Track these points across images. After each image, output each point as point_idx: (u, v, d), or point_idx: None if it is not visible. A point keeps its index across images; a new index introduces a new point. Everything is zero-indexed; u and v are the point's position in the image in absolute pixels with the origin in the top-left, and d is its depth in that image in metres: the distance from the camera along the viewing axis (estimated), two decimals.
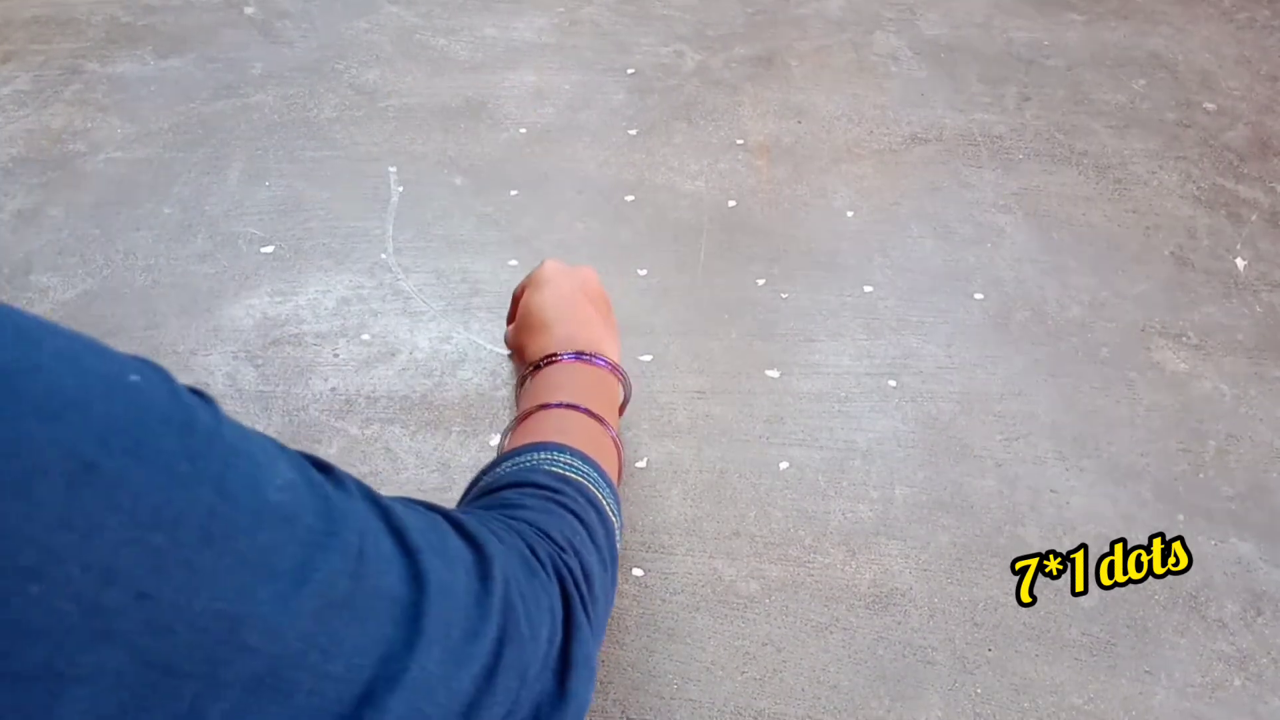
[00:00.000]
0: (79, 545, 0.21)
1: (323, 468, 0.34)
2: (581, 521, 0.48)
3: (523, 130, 1.32)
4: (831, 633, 0.79)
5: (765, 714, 0.74)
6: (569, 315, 0.74)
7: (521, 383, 0.74)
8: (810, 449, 0.92)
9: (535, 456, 0.55)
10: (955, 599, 0.81)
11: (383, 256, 1.14)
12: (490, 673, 0.34)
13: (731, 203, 1.19)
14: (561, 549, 0.44)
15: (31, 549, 0.20)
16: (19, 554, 0.20)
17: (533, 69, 1.44)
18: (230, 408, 0.98)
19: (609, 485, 0.56)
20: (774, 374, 0.99)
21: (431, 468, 0.92)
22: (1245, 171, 1.22)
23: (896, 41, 1.48)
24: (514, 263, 1.12)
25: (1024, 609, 0.80)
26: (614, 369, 0.73)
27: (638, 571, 0.83)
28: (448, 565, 0.34)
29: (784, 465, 0.91)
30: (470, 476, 0.91)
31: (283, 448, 0.31)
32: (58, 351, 0.23)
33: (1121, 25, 1.51)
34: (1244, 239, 1.13)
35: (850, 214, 1.18)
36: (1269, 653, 0.77)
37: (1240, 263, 1.10)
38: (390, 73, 1.44)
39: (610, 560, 0.50)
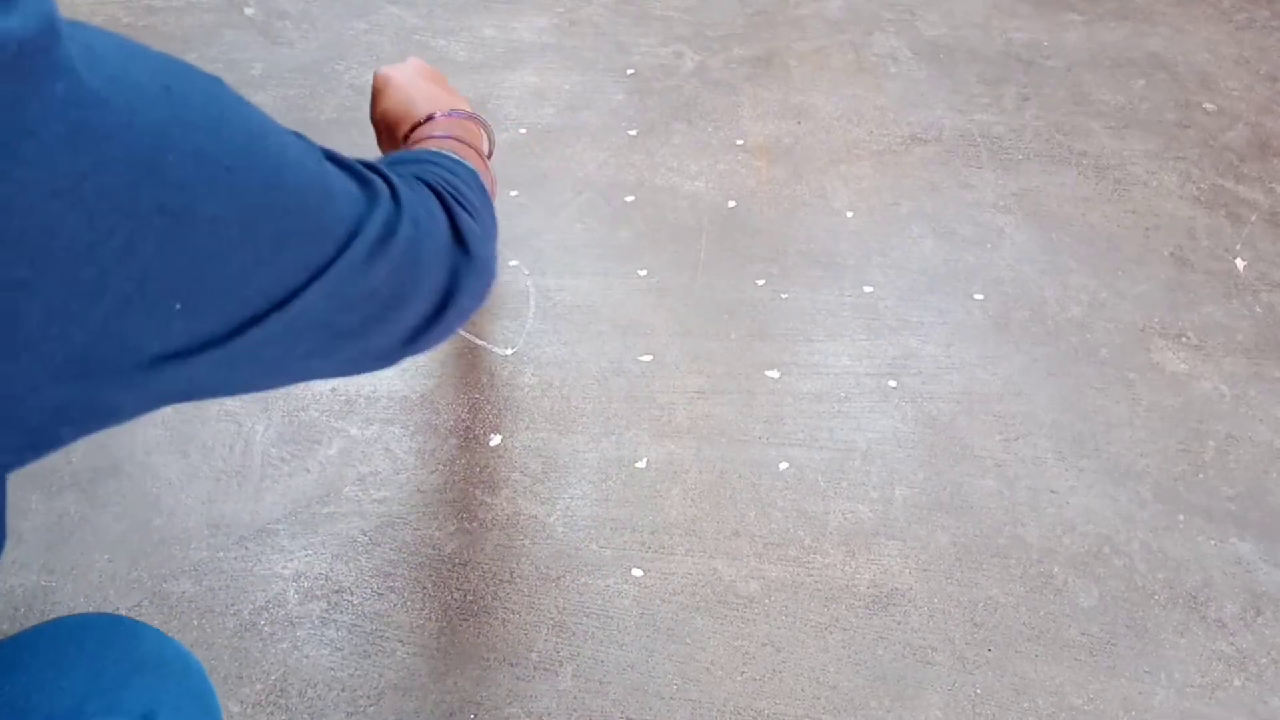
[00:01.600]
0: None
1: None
2: (435, 164, 0.60)
3: (523, 130, 1.32)
4: (831, 633, 0.79)
5: (765, 714, 0.74)
6: (417, 98, 0.82)
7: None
8: (810, 449, 0.92)
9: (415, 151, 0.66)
10: (955, 599, 0.81)
11: None
12: (417, 237, 0.48)
13: (731, 203, 1.20)
14: (421, 173, 0.58)
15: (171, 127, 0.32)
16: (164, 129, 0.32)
17: (533, 69, 1.44)
18: (230, 407, 0.98)
19: (470, 166, 0.66)
20: (774, 374, 0.99)
21: (431, 468, 0.92)
22: (1245, 172, 1.22)
23: (896, 42, 1.48)
24: (514, 263, 1.12)
25: (1024, 609, 0.80)
26: (472, 116, 0.80)
27: (637, 572, 0.83)
28: (371, 179, 0.48)
29: (784, 465, 0.91)
30: (469, 477, 0.91)
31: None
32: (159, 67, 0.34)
33: (1121, 26, 1.51)
34: (1243, 239, 1.13)
35: (850, 214, 1.18)
36: (1269, 652, 0.77)
37: (1240, 263, 1.10)
38: None
39: (478, 188, 0.62)
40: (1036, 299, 1.06)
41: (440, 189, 0.57)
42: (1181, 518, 0.86)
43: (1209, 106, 1.34)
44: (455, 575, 0.83)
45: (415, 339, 0.51)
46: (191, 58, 1.49)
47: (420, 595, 0.82)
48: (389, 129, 0.84)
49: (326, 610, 0.81)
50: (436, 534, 0.87)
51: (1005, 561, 0.83)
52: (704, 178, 1.23)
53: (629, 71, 1.43)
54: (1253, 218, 1.16)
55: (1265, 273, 1.09)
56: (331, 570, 0.84)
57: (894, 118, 1.33)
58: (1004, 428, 0.94)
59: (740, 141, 1.29)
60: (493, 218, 0.64)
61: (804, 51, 1.47)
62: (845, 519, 0.86)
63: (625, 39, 1.50)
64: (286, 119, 1.36)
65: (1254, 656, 0.77)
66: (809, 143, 1.29)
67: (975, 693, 0.75)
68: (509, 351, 1.02)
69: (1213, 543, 0.84)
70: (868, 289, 1.08)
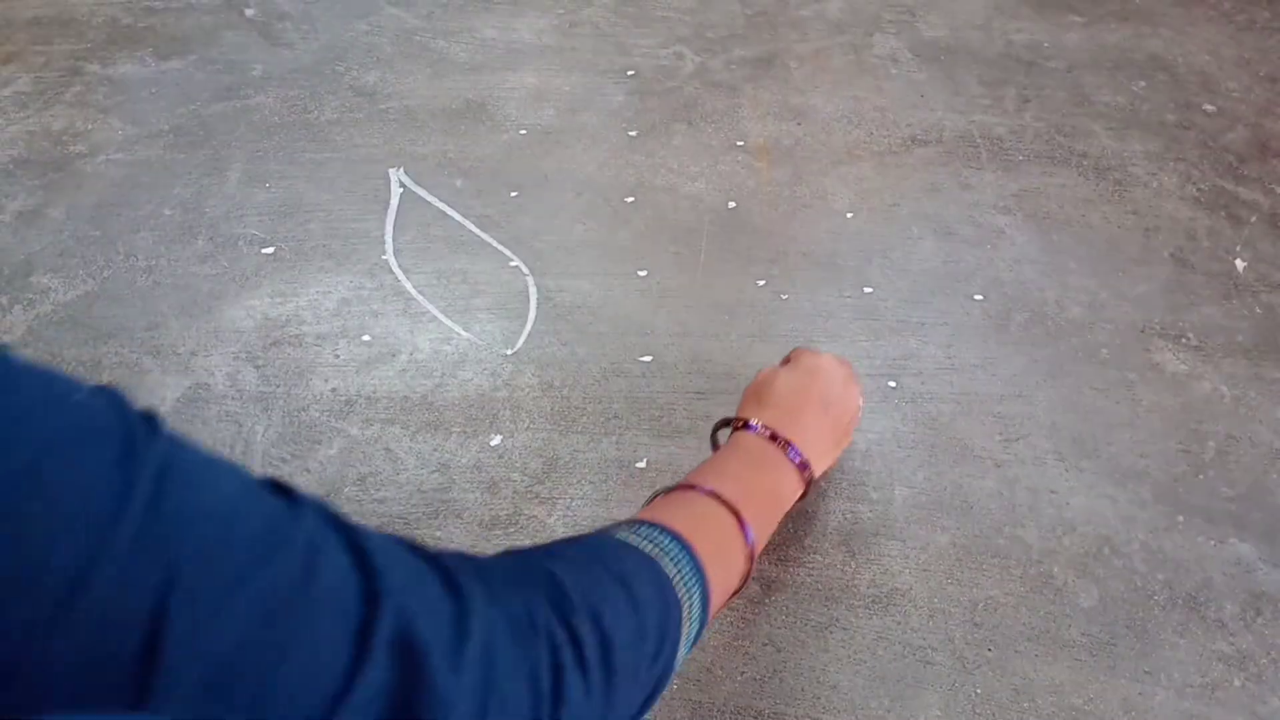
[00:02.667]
0: (17, 540, 0.25)
1: (283, 489, 0.34)
2: (624, 586, 0.44)
3: (523, 131, 1.32)
4: (831, 633, 0.79)
5: (765, 714, 0.74)
6: (791, 403, 0.73)
7: (714, 432, 0.80)
8: None
9: (624, 528, 0.52)
10: (955, 599, 0.81)
11: (383, 258, 1.14)
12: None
13: (731, 204, 1.20)
14: (572, 609, 0.40)
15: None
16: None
17: (533, 70, 1.44)
18: (231, 409, 0.98)
19: (695, 572, 0.50)
20: None
21: (431, 468, 0.92)
22: (1245, 173, 1.22)
23: (896, 43, 1.48)
24: (514, 263, 1.12)
25: (1024, 609, 0.80)
26: (801, 465, 0.70)
27: None
28: (423, 605, 0.33)
29: None
30: (470, 477, 0.91)
31: (236, 469, 0.32)
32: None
33: (1121, 27, 1.51)
34: (1243, 240, 1.13)
35: (850, 215, 1.18)
36: (1269, 653, 0.77)
37: (1240, 264, 1.10)
38: (390, 74, 1.45)
39: (655, 637, 0.44)
40: (1037, 300, 1.06)
41: (562, 652, 0.38)
42: (1181, 518, 0.86)
43: (1209, 108, 1.34)
44: None
45: None
46: (191, 59, 1.50)
47: None
48: (749, 389, 0.77)
49: None
50: (437, 534, 0.87)
51: (1005, 562, 0.83)
52: (704, 178, 1.24)
53: (629, 73, 1.43)
54: (1253, 219, 1.16)
55: (1265, 274, 1.09)
56: None
57: (894, 119, 1.33)
58: (1004, 428, 0.94)
59: (741, 142, 1.29)
60: (646, 679, 0.44)
61: (804, 53, 1.47)
62: (845, 519, 0.87)
63: (626, 40, 1.50)
64: (287, 120, 1.36)
65: (1254, 657, 0.77)
66: (809, 144, 1.29)
67: (975, 693, 0.75)
68: (509, 351, 1.03)
69: (1212, 543, 0.84)
70: (868, 290, 1.08)
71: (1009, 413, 0.95)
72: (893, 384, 0.98)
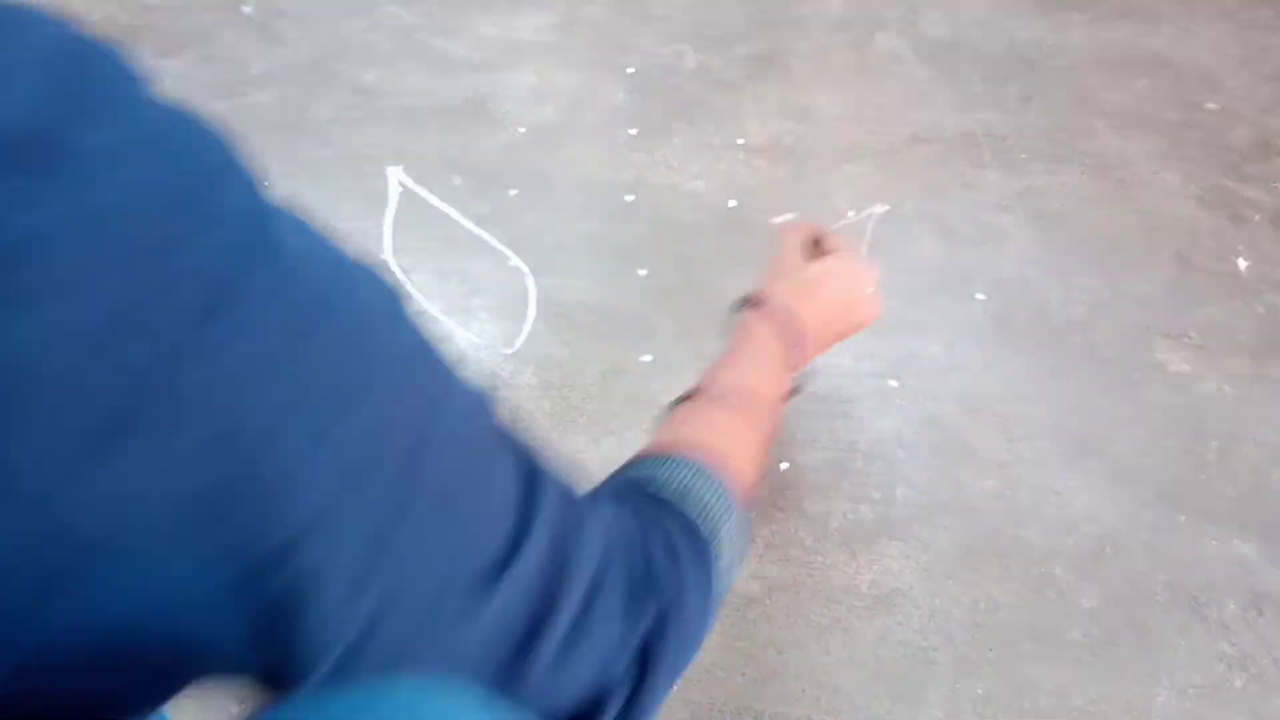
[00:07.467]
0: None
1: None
2: (657, 526, 0.48)
3: (522, 130, 1.32)
4: (832, 633, 0.78)
5: (766, 715, 0.74)
6: (810, 292, 0.77)
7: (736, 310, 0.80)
8: (812, 450, 0.92)
9: (647, 464, 0.55)
10: (956, 599, 0.80)
11: (382, 257, 1.13)
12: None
13: (732, 203, 1.19)
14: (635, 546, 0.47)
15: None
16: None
17: (532, 69, 1.44)
18: None
19: (720, 499, 0.54)
20: None
21: None
22: (1247, 172, 1.22)
23: (898, 41, 1.48)
24: (513, 263, 1.12)
25: (1026, 610, 0.80)
26: (799, 340, 0.72)
27: None
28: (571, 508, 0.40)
29: (785, 466, 0.90)
30: None
31: None
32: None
33: (1123, 25, 1.51)
34: (1246, 240, 1.13)
35: (851, 214, 1.17)
36: (1270, 653, 0.77)
37: (1242, 263, 1.10)
38: (389, 72, 1.44)
39: (691, 563, 0.49)
40: (1039, 299, 1.06)
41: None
42: (1183, 519, 0.86)
43: (1212, 106, 1.33)
44: None
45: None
46: (189, 57, 1.49)
47: None
48: (770, 275, 0.79)
49: None
50: None
51: (1007, 562, 0.83)
52: (705, 177, 1.23)
53: (629, 70, 1.43)
54: (1255, 218, 1.16)
55: (1267, 273, 1.09)
56: None
57: (896, 117, 1.33)
58: (1006, 428, 0.93)
59: (741, 141, 1.29)
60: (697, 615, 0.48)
61: (805, 51, 1.46)
62: (846, 519, 0.86)
63: (626, 38, 1.50)
64: (286, 118, 1.36)
65: (1255, 657, 0.77)
66: (810, 142, 1.29)
67: (977, 693, 0.75)
68: (509, 351, 1.02)
69: (1214, 543, 0.84)
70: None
71: (1011, 413, 0.95)
72: (894, 384, 0.97)
